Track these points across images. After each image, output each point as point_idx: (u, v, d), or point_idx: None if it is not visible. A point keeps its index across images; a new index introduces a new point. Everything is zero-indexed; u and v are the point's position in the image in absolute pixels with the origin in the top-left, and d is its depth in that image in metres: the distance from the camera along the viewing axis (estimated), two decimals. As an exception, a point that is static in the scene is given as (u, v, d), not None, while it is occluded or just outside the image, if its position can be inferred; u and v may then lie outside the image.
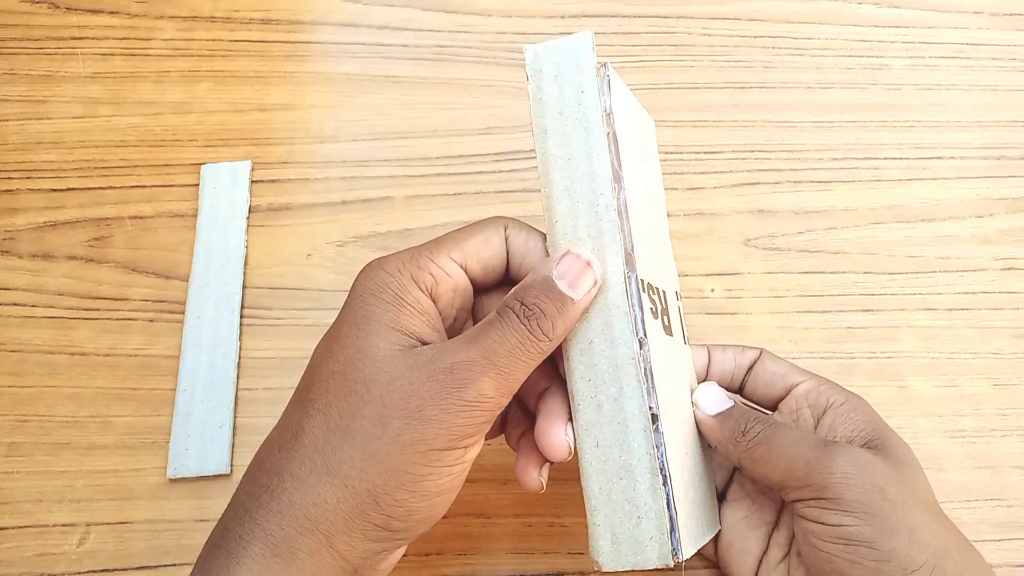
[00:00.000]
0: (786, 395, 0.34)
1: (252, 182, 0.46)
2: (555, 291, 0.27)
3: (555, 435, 0.28)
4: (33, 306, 0.42)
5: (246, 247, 0.44)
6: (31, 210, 0.45)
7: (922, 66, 0.50)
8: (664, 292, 0.33)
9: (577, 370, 0.29)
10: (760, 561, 0.33)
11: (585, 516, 0.28)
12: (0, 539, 0.37)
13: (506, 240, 0.30)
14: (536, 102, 0.30)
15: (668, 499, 0.27)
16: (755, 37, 0.51)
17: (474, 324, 0.32)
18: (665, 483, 0.28)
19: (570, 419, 0.29)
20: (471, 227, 0.30)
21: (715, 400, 0.33)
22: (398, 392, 0.26)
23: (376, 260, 0.29)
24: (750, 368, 0.36)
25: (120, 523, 0.37)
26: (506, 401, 0.27)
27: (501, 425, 0.33)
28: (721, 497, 0.35)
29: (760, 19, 0.52)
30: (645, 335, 0.28)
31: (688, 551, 0.28)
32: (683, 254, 0.44)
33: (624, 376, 0.28)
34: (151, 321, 0.42)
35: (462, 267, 0.29)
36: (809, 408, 0.34)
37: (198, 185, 0.45)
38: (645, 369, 0.28)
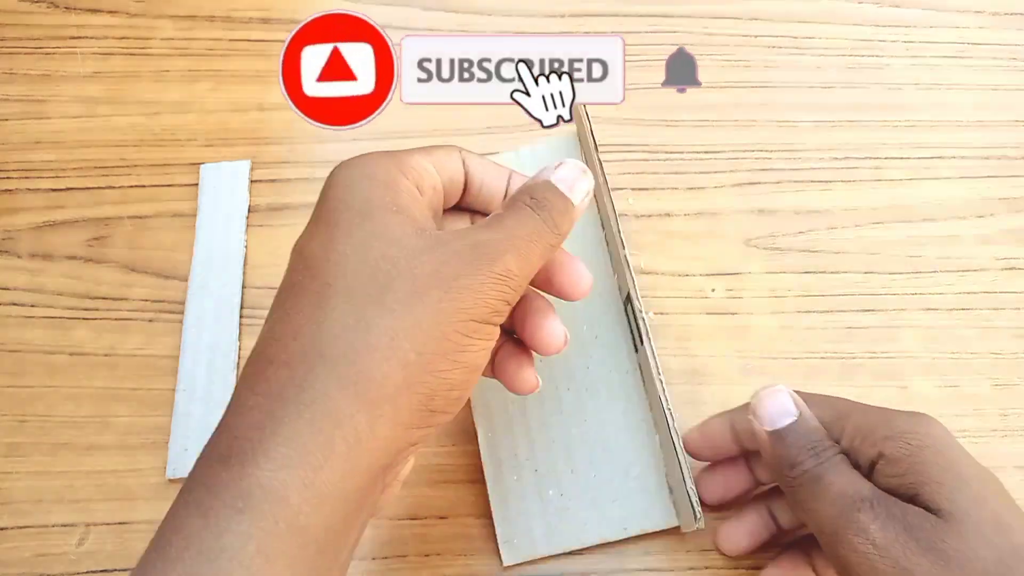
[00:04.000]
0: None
1: (251, 182, 0.46)
2: (558, 191, 0.28)
3: (549, 325, 0.29)
4: (32, 306, 0.42)
5: (245, 247, 0.44)
6: (30, 210, 0.45)
7: (923, 66, 0.50)
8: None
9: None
10: None
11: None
12: (-1, 540, 0.37)
13: (463, 163, 0.30)
14: None
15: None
16: (756, 36, 0.51)
17: None
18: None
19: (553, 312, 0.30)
20: (428, 147, 0.29)
21: (773, 412, 0.30)
22: (428, 265, 0.25)
23: (350, 158, 0.27)
24: None
25: (119, 523, 0.37)
26: (525, 284, 0.27)
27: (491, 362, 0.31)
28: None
29: (761, 19, 0.51)
30: None
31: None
32: (684, 254, 0.44)
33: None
34: (150, 321, 0.42)
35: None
36: (866, 450, 0.29)
37: (197, 185, 0.45)
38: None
